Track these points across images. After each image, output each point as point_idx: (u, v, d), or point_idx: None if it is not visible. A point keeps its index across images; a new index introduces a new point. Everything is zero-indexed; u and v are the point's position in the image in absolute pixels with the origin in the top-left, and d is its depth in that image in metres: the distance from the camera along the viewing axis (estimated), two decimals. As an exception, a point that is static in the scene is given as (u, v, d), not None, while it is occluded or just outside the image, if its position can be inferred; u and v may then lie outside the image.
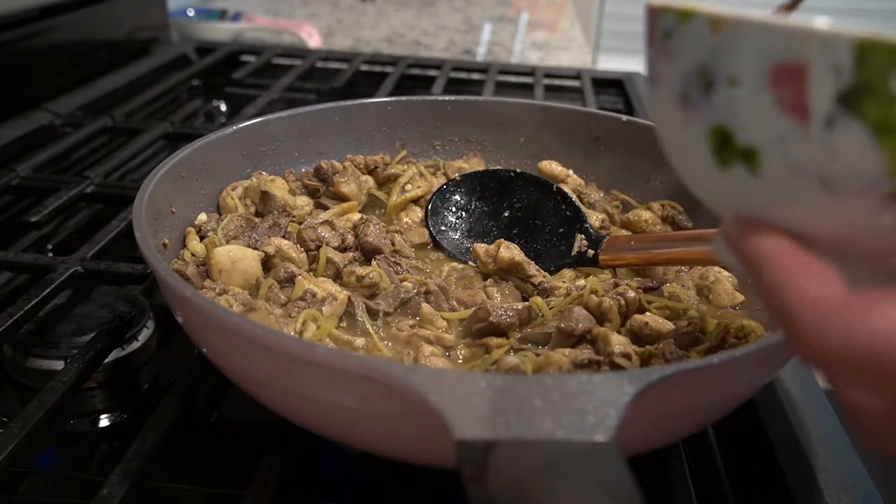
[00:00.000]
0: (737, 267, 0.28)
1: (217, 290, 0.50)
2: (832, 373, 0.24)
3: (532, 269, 0.57)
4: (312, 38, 1.48)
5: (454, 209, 0.68)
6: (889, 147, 0.22)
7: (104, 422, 0.55)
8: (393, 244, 0.59)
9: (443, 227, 0.67)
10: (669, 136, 0.30)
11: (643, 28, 0.30)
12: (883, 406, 0.23)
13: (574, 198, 0.66)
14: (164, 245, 0.55)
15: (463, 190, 0.69)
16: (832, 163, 0.23)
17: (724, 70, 0.25)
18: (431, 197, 0.68)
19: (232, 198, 0.63)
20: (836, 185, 0.23)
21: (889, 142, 0.22)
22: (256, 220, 0.61)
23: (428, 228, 0.66)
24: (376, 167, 0.71)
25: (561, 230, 0.64)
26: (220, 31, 1.50)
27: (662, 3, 0.27)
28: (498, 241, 0.59)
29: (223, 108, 1.21)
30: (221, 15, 1.59)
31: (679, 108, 0.27)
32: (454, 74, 1.25)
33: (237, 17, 1.58)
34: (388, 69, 1.25)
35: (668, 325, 0.50)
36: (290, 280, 0.53)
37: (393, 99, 0.76)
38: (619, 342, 0.46)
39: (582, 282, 0.57)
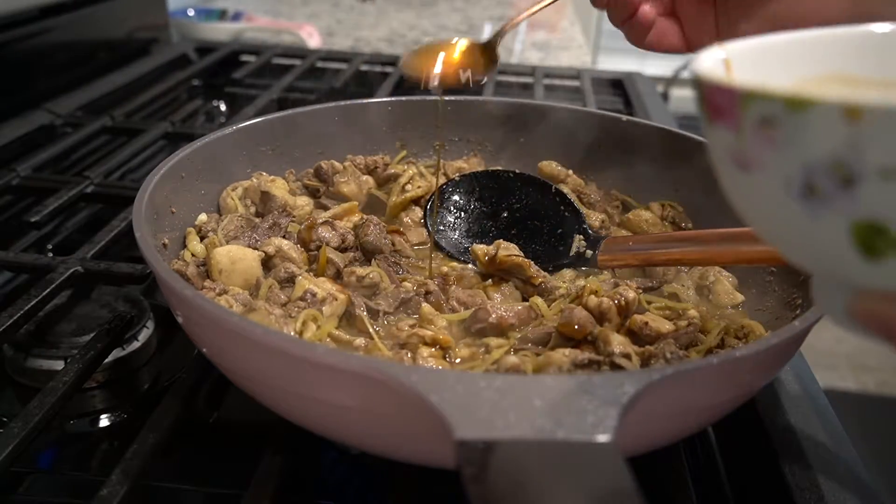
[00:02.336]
0: (863, 335, 0.27)
1: (217, 291, 0.50)
2: None
3: (532, 269, 0.57)
4: (312, 38, 1.48)
5: (453, 209, 0.68)
6: None
7: (104, 422, 0.55)
8: (393, 244, 0.60)
9: (441, 227, 0.67)
10: (775, 223, 0.27)
11: (696, 97, 0.27)
12: None
13: (573, 198, 0.66)
14: (164, 245, 0.55)
15: (462, 190, 0.69)
16: None
17: (871, 163, 0.22)
18: (430, 197, 0.68)
19: (232, 198, 0.63)
20: None
21: None
22: (256, 220, 0.61)
23: (427, 228, 0.66)
24: (376, 167, 0.71)
25: (559, 231, 0.64)
26: (220, 31, 1.50)
27: (752, 89, 0.24)
28: (497, 241, 0.59)
29: (223, 108, 1.21)
30: (221, 15, 1.59)
31: (798, 201, 0.24)
32: (454, 74, 1.25)
33: (237, 17, 1.58)
34: (388, 69, 1.25)
35: (668, 325, 0.50)
36: (290, 280, 0.53)
37: (393, 99, 0.76)
38: (619, 342, 0.46)
39: (582, 282, 0.57)
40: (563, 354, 0.45)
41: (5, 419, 0.48)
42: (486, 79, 0.58)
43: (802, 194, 0.24)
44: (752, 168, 0.25)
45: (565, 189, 0.68)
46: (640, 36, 0.58)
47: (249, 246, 0.57)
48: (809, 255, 0.27)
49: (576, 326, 0.48)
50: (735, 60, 0.30)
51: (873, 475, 0.46)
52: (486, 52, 0.58)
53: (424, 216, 0.67)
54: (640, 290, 0.54)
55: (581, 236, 0.62)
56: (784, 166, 0.24)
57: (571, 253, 0.61)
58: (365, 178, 0.70)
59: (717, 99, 0.26)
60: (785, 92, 0.23)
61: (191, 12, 1.57)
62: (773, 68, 0.31)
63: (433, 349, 0.48)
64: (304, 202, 0.66)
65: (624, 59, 2.82)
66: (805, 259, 0.27)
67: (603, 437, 0.30)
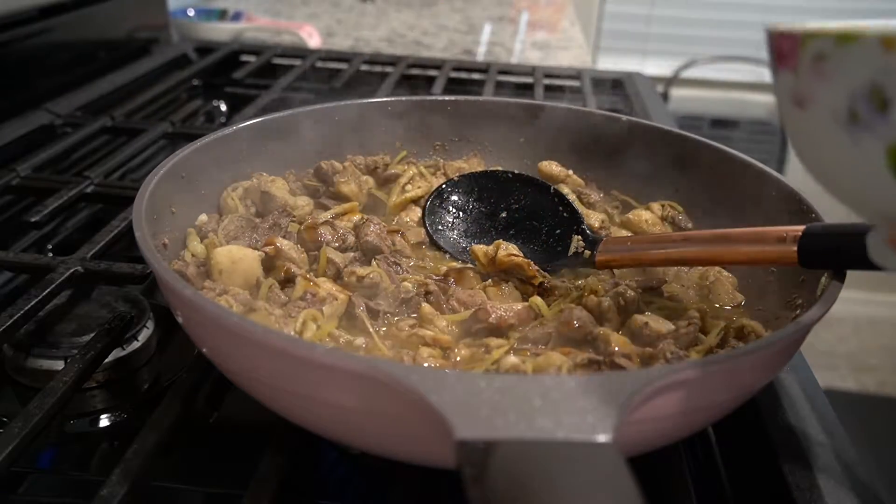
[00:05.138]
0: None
1: (217, 291, 0.50)
2: None
3: (531, 269, 0.57)
4: (312, 38, 1.48)
5: (452, 209, 0.68)
6: None
7: (104, 422, 0.55)
8: (393, 244, 0.60)
9: (440, 227, 0.67)
10: (825, 156, 0.30)
11: (765, 50, 0.30)
12: None
13: (572, 198, 0.66)
14: (165, 245, 0.55)
15: (460, 190, 0.69)
16: None
17: None
18: (429, 197, 0.68)
19: (232, 198, 0.63)
20: None
21: None
22: (257, 220, 0.61)
23: (425, 228, 0.66)
24: (376, 167, 0.71)
25: (558, 231, 0.64)
26: (220, 31, 1.50)
27: (810, 28, 0.27)
28: (497, 241, 0.59)
29: (223, 108, 1.21)
30: (221, 15, 1.59)
31: (844, 129, 0.27)
32: (454, 74, 1.25)
33: (237, 17, 1.58)
34: (388, 69, 1.25)
35: (668, 325, 0.50)
36: (290, 280, 0.53)
37: (393, 99, 0.76)
38: (619, 342, 0.46)
39: (581, 282, 0.57)
40: (563, 354, 0.45)
41: (5, 419, 0.48)
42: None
43: (847, 122, 0.27)
44: (807, 103, 0.28)
45: (565, 189, 0.68)
46: None
47: (250, 246, 0.57)
48: (852, 185, 0.30)
49: (576, 326, 0.48)
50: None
51: (873, 475, 0.46)
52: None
53: (423, 216, 0.67)
54: (640, 290, 0.54)
55: (579, 237, 0.62)
56: (832, 97, 0.27)
57: (570, 253, 0.61)
58: (365, 178, 0.70)
59: (782, 44, 0.29)
60: (836, 28, 0.27)
61: (191, 12, 1.57)
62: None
63: (433, 349, 0.48)
64: (304, 202, 0.66)
65: (624, 59, 2.83)
66: (849, 192, 0.30)
67: (603, 437, 0.30)
